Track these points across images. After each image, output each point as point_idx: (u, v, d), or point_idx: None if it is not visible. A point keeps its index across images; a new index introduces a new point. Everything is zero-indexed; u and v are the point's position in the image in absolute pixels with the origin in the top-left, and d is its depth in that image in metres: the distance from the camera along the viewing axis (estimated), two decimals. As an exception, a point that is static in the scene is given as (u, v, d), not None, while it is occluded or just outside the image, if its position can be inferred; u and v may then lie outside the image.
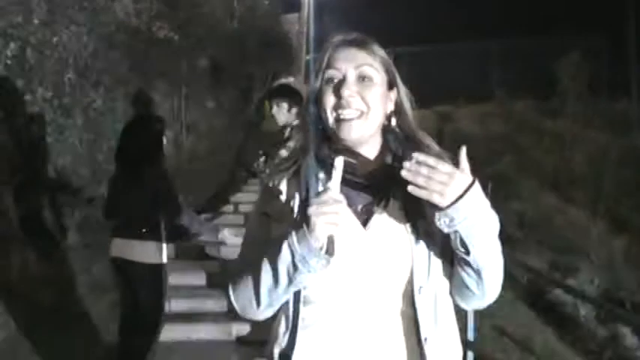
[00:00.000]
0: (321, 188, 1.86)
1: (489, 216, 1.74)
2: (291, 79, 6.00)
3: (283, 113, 5.55)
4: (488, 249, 1.76)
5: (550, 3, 18.33)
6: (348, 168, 1.84)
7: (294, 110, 5.55)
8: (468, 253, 1.73)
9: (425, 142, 1.99)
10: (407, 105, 2.01)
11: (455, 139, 12.97)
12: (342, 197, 1.73)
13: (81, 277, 7.15)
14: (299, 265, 1.73)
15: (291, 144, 5.31)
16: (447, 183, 1.67)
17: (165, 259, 5.23)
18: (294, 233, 1.74)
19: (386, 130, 1.99)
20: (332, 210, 1.70)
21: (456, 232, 1.70)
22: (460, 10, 19.38)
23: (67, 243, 7.65)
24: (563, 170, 12.67)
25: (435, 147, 2.01)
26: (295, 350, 1.84)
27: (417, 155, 1.70)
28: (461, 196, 1.67)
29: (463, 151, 1.74)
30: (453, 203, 1.67)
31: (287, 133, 5.49)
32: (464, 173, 1.71)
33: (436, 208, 1.70)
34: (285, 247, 1.75)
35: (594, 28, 16.66)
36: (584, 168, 12.66)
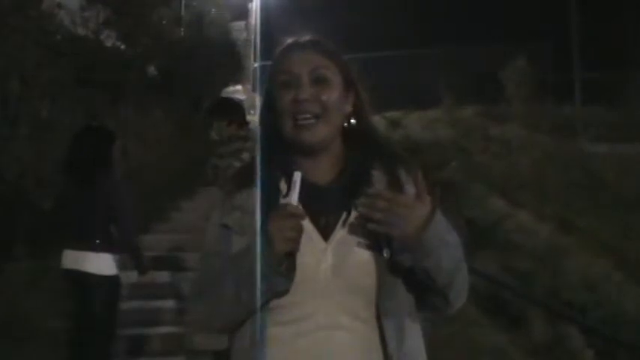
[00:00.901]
0: (281, 200, 1.83)
1: (453, 242, 1.75)
2: (234, 88, 6.05)
3: (223, 129, 5.57)
4: (453, 274, 1.76)
5: (494, 9, 18.56)
6: (308, 178, 1.83)
7: (233, 125, 5.57)
8: (433, 282, 1.74)
9: (384, 143, 2.00)
10: (366, 105, 1.99)
11: (404, 145, 13.06)
12: (302, 211, 1.73)
13: (30, 291, 7.02)
14: (258, 284, 1.70)
15: (244, 156, 5.33)
16: (407, 216, 1.67)
17: (117, 271, 5.18)
18: (252, 250, 1.72)
19: (345, 132, 1.96)
20: (292, 224, 1.70)
21: (421, 265, 1.71)
22: (407, 17, 19.52)
23: (14, 256, 7.51)
24: (511, 174, 12.82)
25: (395, 148, 2.04)
26: None
27: (372, 190, 1.71)
28: (422, 229, 1.67)
29: (419, 175, 1.74)
30: (414, 237, 1.68)
31: (236, 144, 5.50)
32: (423, 203, 1.71)
33: (398, 242, 1.71)
34: (245, 264, 1.73)
35: (538, 34, 16.91)
36: (532, 172, 12.82)
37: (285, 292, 1.74)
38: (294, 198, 1.74)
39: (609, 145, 13.86)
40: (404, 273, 1.80)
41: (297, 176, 1.76)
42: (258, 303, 1.75)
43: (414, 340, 1.85)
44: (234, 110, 5.73)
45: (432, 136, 14.20)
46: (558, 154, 13.42)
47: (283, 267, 1.70)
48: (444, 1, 19.75)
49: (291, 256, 1.72)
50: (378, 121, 13.79)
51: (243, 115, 5.75)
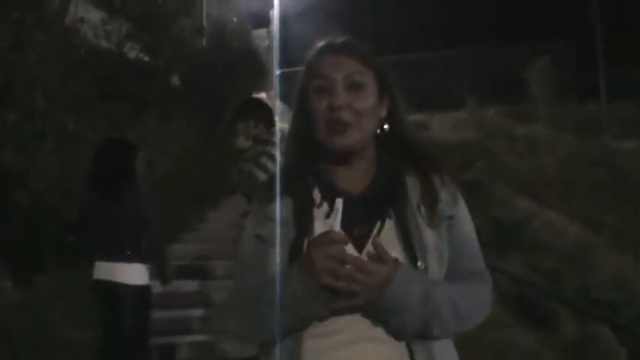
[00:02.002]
0: (316, 212, 1.83)
1: (415, 304, 1.69)
2: (257, 96, 6.08)
3: (250, 128, 5.59)
4: (426, 326, 1.72)
5: (517, 9, 18.48)
6: (341, 186, 1.83)
7: (261, 125, 5.58)
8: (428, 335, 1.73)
9: (420, 149, 1.95)
10: (402, 110, 1.95)
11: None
12: (344, 237, 1.69)
13: (59, 303, 7.08)
14: (298, 309, 1.70)
15: (263, 160, 5.34)
16: (365, 282, 1.66)
17: (148, 280, 5.21)
18: (295, 275, 1.70)
19: (379, 137, 1.92)
20: (334, 251, 1.66)
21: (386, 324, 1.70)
22: (430, 20, 19.48)
23: (43, 268, 7.57)
24: (537, 174, 12.75)
25: (430, 152, 1.98)
26: None
27: (337, 257, 1.67)
28: (379, 294, 1.66)
29: (378, 242, 1.72)
30: (373, 303, 1.67)
31: (258, 148, 5.51)
32: (382, 267, 1.68)
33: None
34: (286, 289, 1.71)
35: (561, 33, 16.82)
36: (557, 171, 12.75)
37: (325, 317, 1.72)
38: (336, 224, 1.70)
39: (635, 141, 13.75)
40: (438, 269, 1.80)
41: (339, 203, 1.72)
42: (299, 325, 1.74)
43: (444, 351, 1.80)
44: (261, 110, 5.75)
45: (456, 138, 14.15)
46: (584, 153, 13.34)
47: (324, 295, 1.68)
48: (467, 2, 19.68)
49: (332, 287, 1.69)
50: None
51: (271, 116, 5.75)
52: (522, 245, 10.41)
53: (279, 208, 1.85)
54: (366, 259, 1.72)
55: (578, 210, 11.55)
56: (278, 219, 1.84)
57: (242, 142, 5.90)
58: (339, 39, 1.94)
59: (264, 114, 5.71)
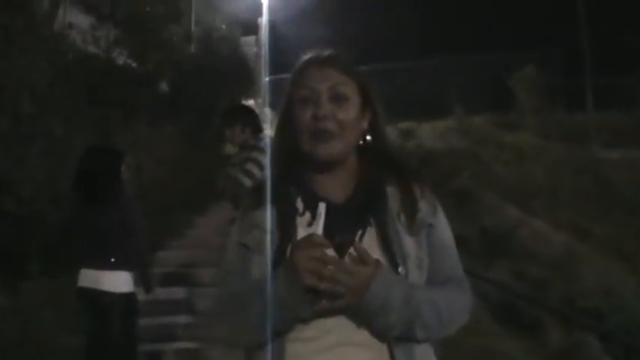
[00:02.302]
0: (299, 220, 1.86)
1: (398, 304, 1.73)
2: (245, 103, 6.08)
3: (237, 134, 5.59)
4: (409, 327, 1.76)
5: (505, 17, 18.55)
6: (323, 195, 1.87)
7: (247, 130, 5.59)
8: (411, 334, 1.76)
9: (399, 160, 2.00)
10: (382, 122, 1.99)
11: (417, 155, 13.07)
12: (326, 241, 1.73)
13: (46, 308, 7.05)
14: (283, 311, 1.72)
15: (248, 166, 5.34)
16: (348, 283, 1.69)
17: (133, 288, 5.19)
18: (278, 278, 1.73)
19: (360, 147, 1.97)
20: (317, 254, 1.70)
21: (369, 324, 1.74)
22: (417, 28, 19.54)
23: (30, 273, 7.54)
24: (524, 182, 12.80)
25: (409, 164, 2.04)
26: None
27: (319, 259, 1.70)
28: (361, 295, 1.70)
29: (359, 245, 1.75)
30: (355, 304, 1.71)
31: (244, 154, 5.51)
32: (363, 268, 1.72)
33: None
34: (269, 291, 1.74)
35: (548, 41, 16.90)
36: (545, 179, 12.80)
37: (311, 318, 1.76)
38: (319, 228, 1.74)
39: (622, 150, 13.81)
40: (417, 276, 1.84)
41: (322, 207, 1.78)
42: (283, 327, 1.77)
43: (424, 355, 1.84)
44: (248, 115, 5.75)
45: (444, 146, 14.21)
46: (571, 161, 13.41)
47: (308, 297, 1.71)
48: (454, 10, 19.75)
49: (315, 289, 1.72)
50: (390, 131, 13.85)
51: (258, 122, 5.76)
52: (509, 253, 10.45)
53: (269, 214, 1.88)
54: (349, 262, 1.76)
55: (564, 218, 11.60)
56: (268, 225, 1.87)
57: (229, 148, 5.90)
58: (325, 52, 1.98)
59: (251, 120, 5.71)
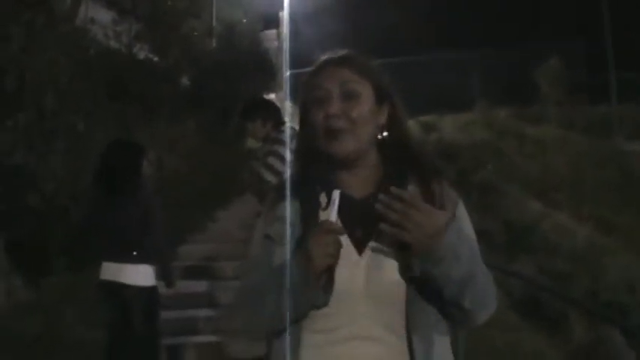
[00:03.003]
0: (321, 216, 1.87)
1: (465, 254, 1.74)
2: (266, 97, 6.07)
3: (258, 128, 5.59)
4: (463, 285, 1.75)
5: (527, 10, 18.45)
6: (345, 190, 1.86)
7: (269, 124, 5.59)
8: (441, 291, 1.75)
9: (420, 155, 2.00)
10: (402, 117, 2.01)
11: (439, 149, 13.02)
12: (340, 227, 1.76)
13: (69, 303, 7.10)
14: (298, 297, 1.75)
15: (270, 159, 5.34)
16: (421, 222, 1.68)
17: (155, 281, 5.21)
18: (293, 264, 1.76)
19: (380, 143, 1.98)
20: (331, 240, 1.72)
21: (429, 274, 1.72)
22: (439, 21, 19.48)
23: (52, 268, 7.59)
24: (547, 175, 12.71)
25: (429, 159, 2.04)
26: None
27: (393, 189, 1.71)
28: (434, 237, 1.69)
29: (439, 186, 1.79)
30: (425, 244, 1.69)
31: (266, 147, 5.51)
32: (440, 212, 1.73)
33: (410, 248, 1.72)
34: (286, 277, 1.76)
35: (572, 34, 16.78)
36: (568, 172, 12.71)
37: (323, 304, 1.78)
38: (332, 215, 1.77)
39: (646, 142, 13.72)
40: (415, 281, 1.80)
41: (336, 194, 1.80)
42: (298, 314, 1.79)
43: (442, 354, 1.84)
44: (270, 109, 5.75)
45: (466, 139, 14.12)
46: (594, 154, 13.30)
47: (322, 281, 1.75)
48: (477, 3, 19.65)
49: (329, 271, 1.76)
50: (412, 125, 13.83)
51: (279, 116, 5.76)
52: (532, 247, 10.39)
53: (289, 206, 1.92)
54: (368, 260, 1.80)
55: (588, 211, 11.51)
56: (288, 217, 1.90)
57: (252, 142, 5.90)
58: (339, 53, 2.01)
59: (272, 114, 5.71)
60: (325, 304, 1.77)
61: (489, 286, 1.85)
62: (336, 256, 1.74)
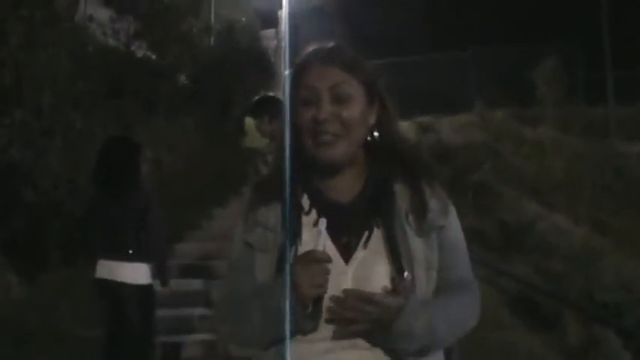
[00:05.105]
0: (304, 219, 1.84)
1: (422, 328, 1.70)
2: (270, 95, 6.06)
3: (266, 125, 5.60)
4: (429, 345, 1.74)
5: (524, 11, 18.45)
6: (329, 195, 1.84)
7: (275, 121, 5.60)
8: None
9: (409, 155, 1.93)
10: (392, 116, 1.92)
11: (436, 150, 13.03)
12: (329, 257, 1.71)
13: (64, 299, 7.10)
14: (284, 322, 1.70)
15: (268, 157, 5.35)
16: (375, 313, 1.67)
17: (150, 280, 5.22)
18: (281, 289, 1.70)
19: (369, 144, 1.90)
20: (319, 270, 1.68)
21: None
22: (437, 21, 19.48)
23: (48, 264, 7.60)
24: (544, 176, 12.72)
25: (420, 158, 1.99)
26: None
27: (346, 290, 1.70)
28: (389, 324, 1.67)
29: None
30: (382, 332, 1.69)
31: (271, 145, 5.52)
32: (394, 297, 1.69)
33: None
34: (272, 301, 1.71)
35: (569, 35, 16.77)
36: (565, 173, 12.72)
37: (312, 330, 1.73)
38: (320, 243, 1.71)
39: (643, 144, 13.74)
40: (424, 279, 1.81)
41: (323, 224, 1.74)
42: (285, 334, 1.74)
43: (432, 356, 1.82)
44: (276, 106, 5.74)
45: (464, 140, 14.12)
46: (591, 155, 13.30)
47: (310, 310, 1.70)
48: (474, 3, 19.65)
49: (318, 299, 1.71)
50: (408, 126, 13.87)
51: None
52: (528, 247, 10.40)
53: (288, 205, 1.84)
54: (355, 269, 1.76)
55: (584, 212, 11.53)
56: (288, 216, 1.83)
57: (251, 141, 5.90)
58: (327, 45, 1.91)
59: (279, 111, 5.72)
60: (315, 329, 1.72)
61: (465, 311, 1.86)
62: (324, 286, 1.68)
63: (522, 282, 8.48)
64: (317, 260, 1.68)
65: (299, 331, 1.72)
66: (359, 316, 1.67)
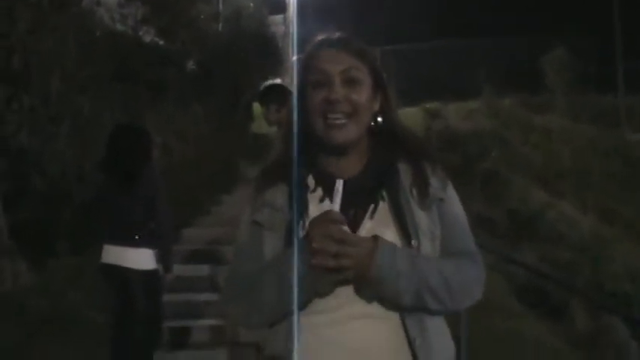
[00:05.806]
0: (310, 197, 1.89)
1: (407, 269, 1.74)
2: (273, 82, 6.02)
3: (273, 113, 5.58)
4: (418, 295, 1.76)
5: (536, 0, 18.38)
6: (335, 173, 1.87)
7: (283, 110, 5.57)
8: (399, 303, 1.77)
9: (410, 138, 2.01)
10: (393, 103, 2.00)
11: (444, 136, 13.01)
12: (343, 217, 1.75)
13: (73, 285, 7.12)
14: (301, 286, 1.74)
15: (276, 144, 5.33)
16: (353, 255, 1.70)
17: (156, 265, 5.22)
18: (293, 254, 1.75)
19: (372, 129, 1.97)
20: (334, 230, 1.72)
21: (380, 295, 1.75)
22: (446, 8, 19.41)
23: (57, 251, 7.61)
24: (552, 165, 12.70)
25: (421, 143, 2.04)
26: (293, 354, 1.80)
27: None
28: (369, 264, 1.71)
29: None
30: (364, 274, 1.72)
31: (280, 132, 5.50)
32: (364, 238, 1.75)
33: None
34: (285, 268, 1.75)
35: (580, 23, 16.68)
36: (573, 162, 12.70)
37: (329, 292, 1.77)
38: (336, 205, 1.76)
39: (652, 134, 13.70)
40: (429, 247, 1.85)
41: (340, 184, 1.78)
42: (301, 303, 1.78)
43: (436, 321, 1.86)
44: (284, 94, 5.72)
45: (471, 127, 14.09)
46: (600, 144, 13.28)
47: (326, 272, 1.73)
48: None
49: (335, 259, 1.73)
50: (416, 112, 13.84)
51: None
52: (536, 236, 10.39)
53: (295, 189, 1.90)
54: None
55: (593, 201, 11.51)
56: (296, 198, 1.88)
57: (259, 127, 5.89)
58: (336, 34, 1.98)
59: (287, 98, 5.69)
60: (331, 291, 1.77)
61: (464, 275, 1.87)
62: (337, 248, 1.71)
63: (531, 270, 8.45)
64: (333, 220, 1.73)
65: (315, 293, 1.77)
66: (343, 261, 1.70)
